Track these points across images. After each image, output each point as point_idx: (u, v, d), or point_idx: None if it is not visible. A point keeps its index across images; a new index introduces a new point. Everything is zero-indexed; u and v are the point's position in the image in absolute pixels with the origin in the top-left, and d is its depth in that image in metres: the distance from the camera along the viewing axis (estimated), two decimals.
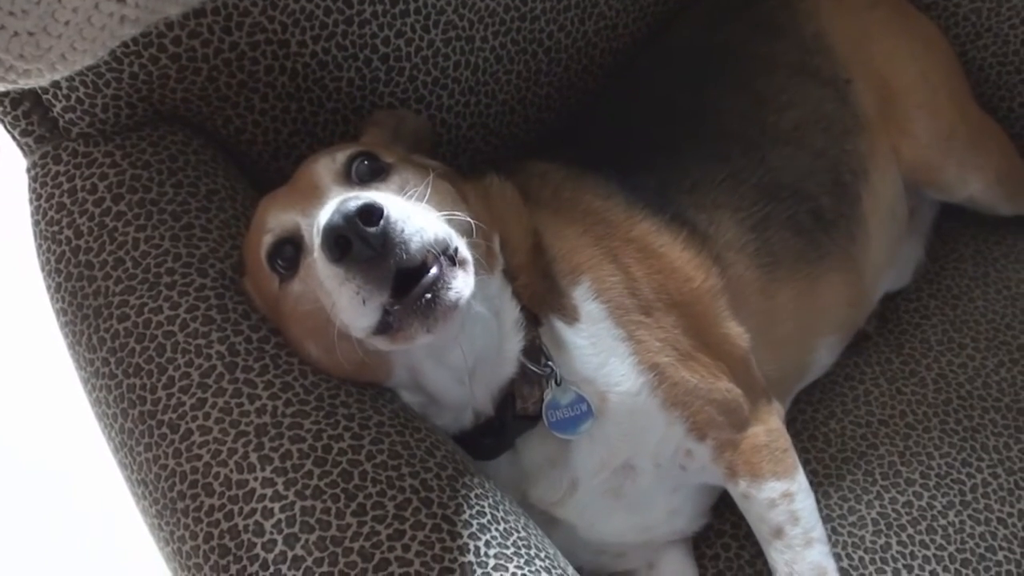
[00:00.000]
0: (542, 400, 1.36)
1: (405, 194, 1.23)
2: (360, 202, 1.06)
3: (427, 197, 1.21)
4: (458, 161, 1.73)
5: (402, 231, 1.08)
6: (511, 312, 1.34)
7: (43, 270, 1.39)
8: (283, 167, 1.58)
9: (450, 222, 1.19)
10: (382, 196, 1.11)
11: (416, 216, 1.11)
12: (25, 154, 1.47)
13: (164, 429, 1.22)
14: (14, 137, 1.47)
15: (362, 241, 1.06)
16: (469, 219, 1.24)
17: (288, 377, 1.24)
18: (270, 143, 1.57)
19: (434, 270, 1.11)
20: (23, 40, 1.13)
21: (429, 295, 1.10)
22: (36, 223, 1.41)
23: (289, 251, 1.24)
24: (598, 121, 1.78)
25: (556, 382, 1.35)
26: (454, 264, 1.14)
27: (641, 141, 1.66)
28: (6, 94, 1.42)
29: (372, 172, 1.28)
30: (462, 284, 1.14)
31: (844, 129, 1.73)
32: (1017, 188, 1.91)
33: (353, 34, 1.54)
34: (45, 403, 2.75)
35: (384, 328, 1.13)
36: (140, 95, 1.45)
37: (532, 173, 1.57)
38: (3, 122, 1.45)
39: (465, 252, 1.17)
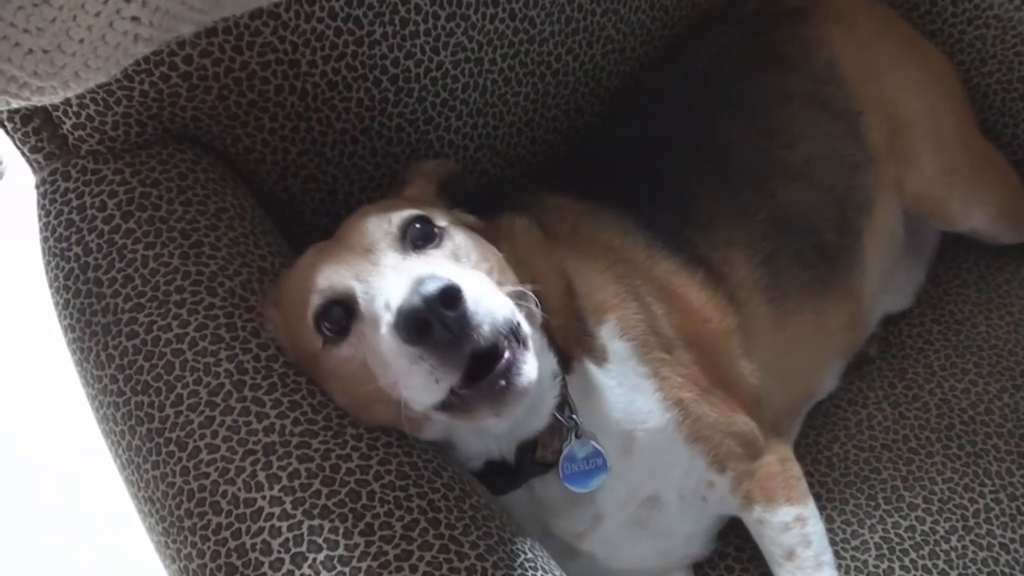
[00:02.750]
0: (561, 450, 1.35)
1: (459, 261, 1.24)
2: (440, 284, 1.05)
3: (494, 273, 1.23)
4: (464, 183, 1.72)
5: (477, 314, 1.08)
6: (548, 364, 1.33)
7: (51, 287, 1.39)
8: (291, 186, 1.59)
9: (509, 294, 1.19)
10: (455, 275, 1.11)
11: (487, 297, 1.11)
12: (34, 171, 1.48)
13: (172, 447, 1.21)
14: (24, 154, 1.47)
15: (441, 325, 1.05)
16: (531, 295, 1.25)
17: (296, 396, 1.24)
18: (279, 162, 1.57)
19: (507, 355, 1.12)
20: (38, 57, 1.14)
21: (504, 381, 1.11)
22: (45, 239, 1.40)
23: (338, 313, 1.22)
24: (609, 150, 1.77)
25: (576, 435, 1.35)
26: (519, 343, 1.15)
27: (654, 173, 1.67)
28: (17, 111, 1.42)
29: (425, 237, 1.27)
30: (531, 368, 1.14)
31: (853, 164, 1.74)
32: (1020, 219, 1.92)
33: (363, 55, 1.54)
34: (54, 413, 2.75)
35: (447, 405, 1.13)
36: (150, 113, 1.45)
37: (547, 207, 1.57)
38: (13, 138, 1.46)
39: (527, 329, 1.18)
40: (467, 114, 1.68)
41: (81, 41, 1.15)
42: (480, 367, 1.10)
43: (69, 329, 1.36)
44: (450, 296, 1.06)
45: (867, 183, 1.74)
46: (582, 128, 1.86)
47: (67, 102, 1.41)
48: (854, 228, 1.71)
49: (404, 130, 1.63)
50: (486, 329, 1.08)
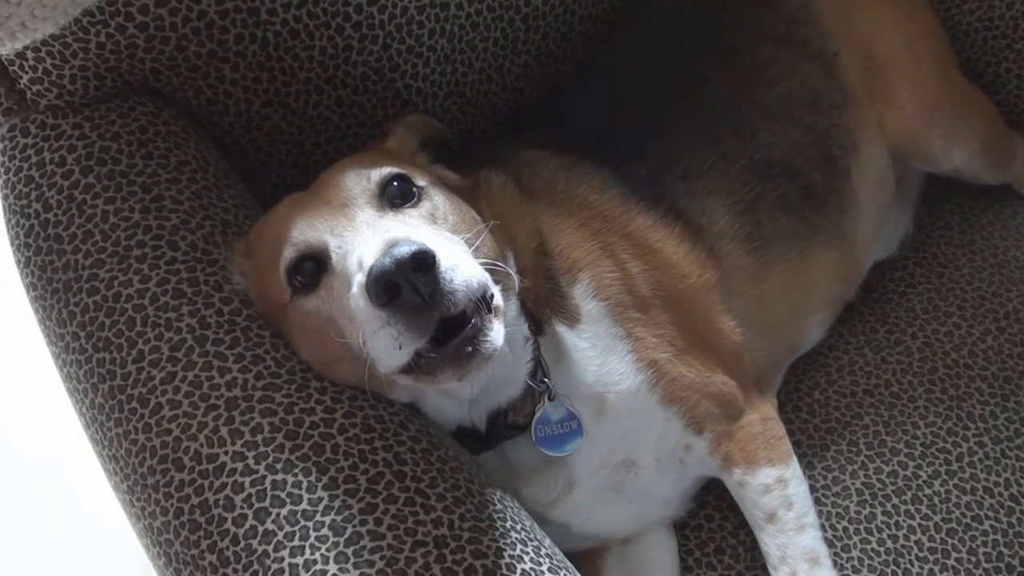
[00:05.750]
0: (533, 413, 1.35)
1: (435, 222, 1.24)
2: (413, 248, 1.04)
3: (470, 237, 1.21)
4: (450, 144, 1.69)
5: (450, 281, 1.07)
6: (520, 329, 1.33)
7: (12, 244, 1.38)
8: (256, 138, 1.57)
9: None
10: (431, 239, 1.11)
11: (461, 264, 1.10)
12: None
13: (134, 404, 1.20)
14: None
15: (411, 289, 1.05)
16: (511, 272, 1.26)
17: (259, 350, 1.23)
18: (242, 114, 1.54)
19: (475, 320, 1.11)
20: None
21: (469, 348, 1.10)
22: (4, 197, 1.39)
23: (310, 267, 1.21)
24: (584, 97, 1.75)
25: (549, 397, 1.34)
26: (490, 311, 1.14)
27: (630, 121, 1.64)
28: None
29: (403, 195, 1.26)
30: (497, 334, 1.13)
31: (832, 103, 1.72)
32: (1001, 157, 1.90)
33: (325, 1, 1.51)
34: (22, 380, 2.74)
35: (410, 368, 1.12)
36: (108, 66, 1.42)
37: (523, 162, 1.55)
38: None
39: (499, 299, 1.17)
40: (435, 61, 1.65)
41: None
42: (446, 331, 1.10)
43: (31, 287, 1.35)
44: (423, 261, 1.05)
45: (849, 122, 1.73)
46: (554, 74, 1.83)
47: (23, 56, 1.38)
48: (841, 167, 1.70)
49: (370, 79, 1.60)
50: (458, 296, 1.08)
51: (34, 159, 1.37)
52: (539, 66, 1.80)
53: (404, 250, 1.04)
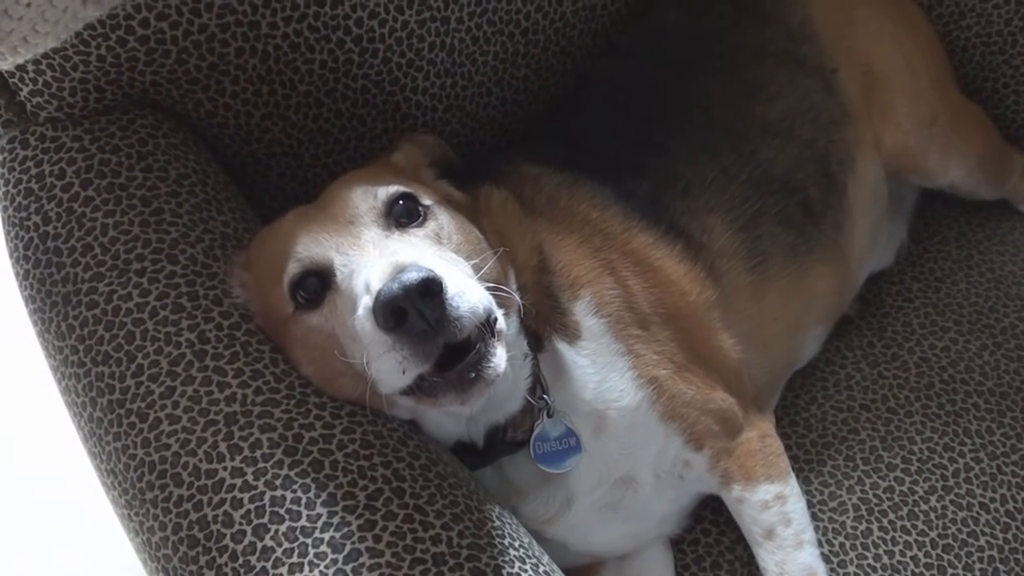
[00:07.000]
0: (532, 429, 1.35)
1: (440, 242, 1.24)
2: (421, 275, 1.05)
3: (474, 259, 1.22)
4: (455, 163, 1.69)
5: (457, 307, 1.08)
6: (520, 346, 1.33)
7: (11, 257, 1.37)
8: (255, 151, 1.57)
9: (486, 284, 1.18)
10: (437, 264, 1.12)
11: (468, 291, 1.11)
12: None
13: (133, 418, 1.20)
14: None
15: (418, 315, 1.05)
16: (517, 298, 1.26)
17: (258, 365, 1.23)
18: (242, 126, 1.54)
19: (479, 346, 1.12)
20: None
21: (473, 373, 1.11)
22: (4, 209, 1.38)
23: (314, 283, 1.21)
24: (585, 111, 1.75)
25: (548, 414, 1.35)
26: (493, 335, 1.14)
27: (631, 137, 1.64)
28: None
29: (409, 215, 1.26)
30: (500, 359, 1.14)
31: (831, 119, 1.72)
32: (998, 172, 1.90)
33: (325, 15, 1.51)
34: (20, 393, 2.73)
35: (412, 390, 1.13)
36: (108, 78, 1.42)
37: (525, 177, 1.55)
38: None
39: (502, 323, 1.17)
40: (434, 74, 1.65)
41: (28, 5, 1.12)
42: (450, 355, 1.10)
43: (30, 300, 1.35)
44: (430, 288, 1.05)
45: (847, 138, 1.73)
46: (553, 88, 1.83)
47: (23, 68, 1.39)
48: (838, 183, 1.70)
49: (370, 92, 1.60)
50: (464, 322, 1.08)
51: (34, 171, 1.37)
52: (539, 80, 1.80)
53: (412, 276, 1.05)
